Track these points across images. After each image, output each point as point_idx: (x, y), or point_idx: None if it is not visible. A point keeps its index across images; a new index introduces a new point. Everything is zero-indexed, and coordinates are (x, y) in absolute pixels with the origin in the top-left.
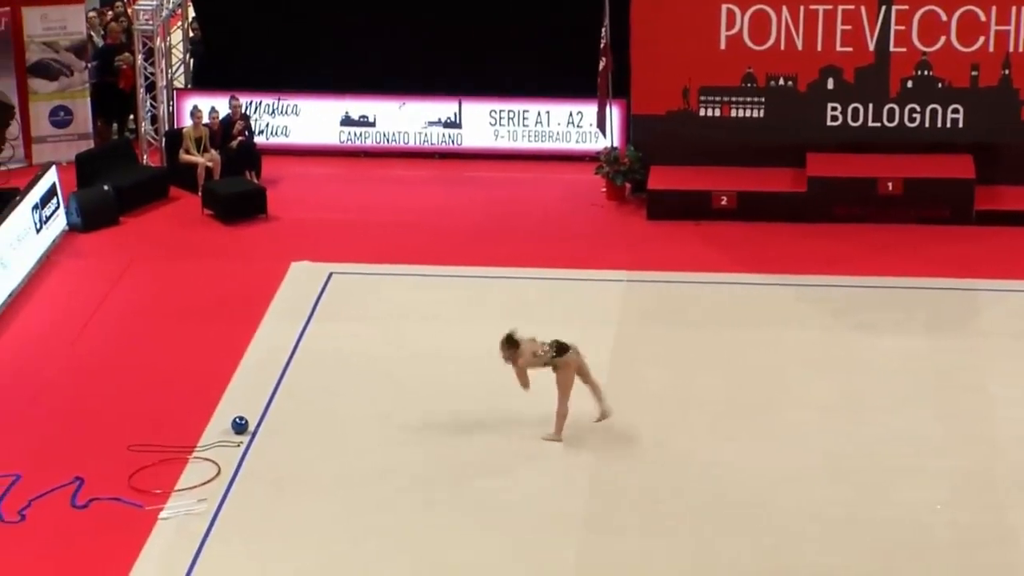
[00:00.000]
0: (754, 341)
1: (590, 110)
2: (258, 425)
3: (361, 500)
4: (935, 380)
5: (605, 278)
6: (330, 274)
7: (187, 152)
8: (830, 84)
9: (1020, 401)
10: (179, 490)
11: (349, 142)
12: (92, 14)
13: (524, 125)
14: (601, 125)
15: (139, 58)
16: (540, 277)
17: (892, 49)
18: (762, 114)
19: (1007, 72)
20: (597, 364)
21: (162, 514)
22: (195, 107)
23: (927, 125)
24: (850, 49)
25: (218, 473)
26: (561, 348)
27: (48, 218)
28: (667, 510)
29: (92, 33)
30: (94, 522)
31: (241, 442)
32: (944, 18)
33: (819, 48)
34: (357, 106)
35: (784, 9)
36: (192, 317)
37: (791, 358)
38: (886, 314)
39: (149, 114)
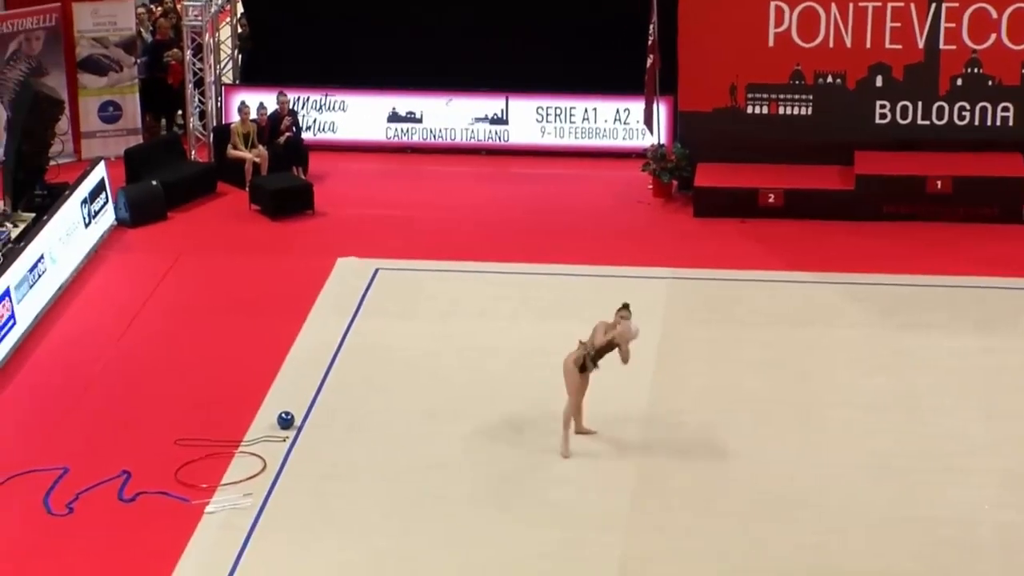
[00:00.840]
0: (801, 339)
1: (637, 107)
2: (304, 420)
3: (407, 495)
4: (984, 380)
5: (651, 275)
6: (376, 270)
7: (235, 148)
8: (879, 82)
9: None
10: (225, 484)
11: (396, 138)
12: (141, 10)
13: (571, 122)
14: (648, 122)
15: (187, 54)
16: (586, 274)
17: (942, 47)
18: (810, 111)
19: None
20: (643, 361)
21: (208, 508)
22: (243, 103)
23: (976, 123)
24: (899, 47)
25: (264, 468)
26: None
27: (96, 213)
28: (713, 508)
29: (141, 29)
30: (140, 516)
31: (287, 437)
32: (994, 15)
33: (868, 45)
34: (404, 102)
35: (833, 6)
36: (239, 312)
37: (838, 357)
38: (934, 313)
39: (197, 110)
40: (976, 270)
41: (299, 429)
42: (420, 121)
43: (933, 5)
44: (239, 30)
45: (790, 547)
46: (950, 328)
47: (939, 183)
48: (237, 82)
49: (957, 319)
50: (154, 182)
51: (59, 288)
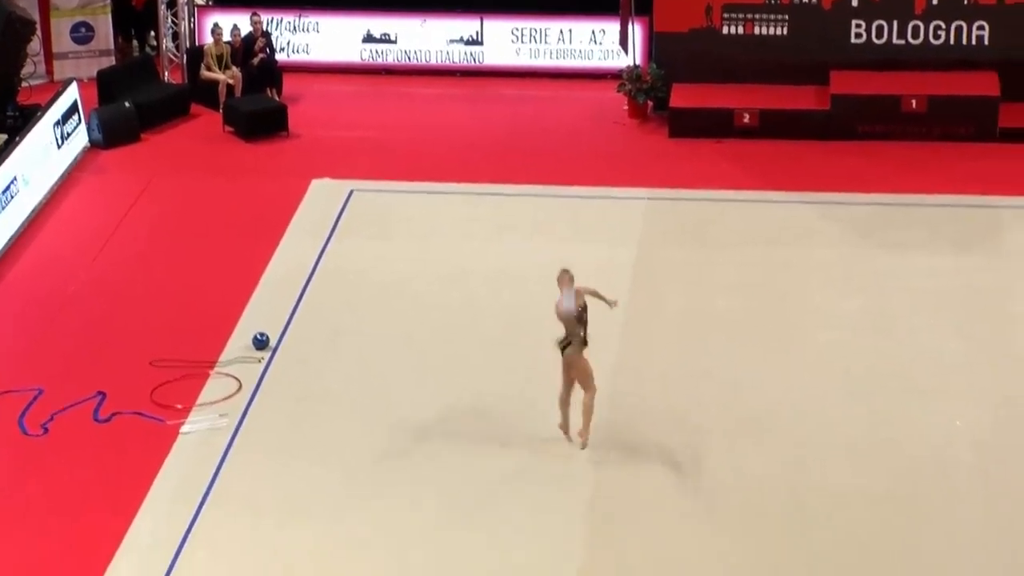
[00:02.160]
0: (777, 260)
1: (612, 28)
2: (279, 341)
3: (381, 417)
4: (960, 298)
5: (627, 196)
6: (351, 191)
7: (208, 69)
8: (854, 1)
9: None
10: (200, 405)
11: (370, 60)
12: None
13: (546, 43)
14: (623, 43)
15: None
16: (562, 195)
17: None
18: (786, 31)
19: None
20: (619, 283)
21: (183, 429)
22: (216, 24)
23: (952, 42)
24: None
25: (239, 388)
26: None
27: (69, 134)
28: (688, 428)
29: None
30: (116, 436)
31: (262, 358)
32: None
33: None
34: (379, 23)
35: None
36: (213, 234)
37: (814, 277)
38: (910, 232)
39: (170, 31)
40: (952, 188)
41: (274, 350)
42: (394, 43)
43: None
44: None
45: (766, 467)
46: (926, 247)
47: (914, 102)
48: (210, 3)
49: (933, 238)
50: (127, 104)
51: (32, 210)
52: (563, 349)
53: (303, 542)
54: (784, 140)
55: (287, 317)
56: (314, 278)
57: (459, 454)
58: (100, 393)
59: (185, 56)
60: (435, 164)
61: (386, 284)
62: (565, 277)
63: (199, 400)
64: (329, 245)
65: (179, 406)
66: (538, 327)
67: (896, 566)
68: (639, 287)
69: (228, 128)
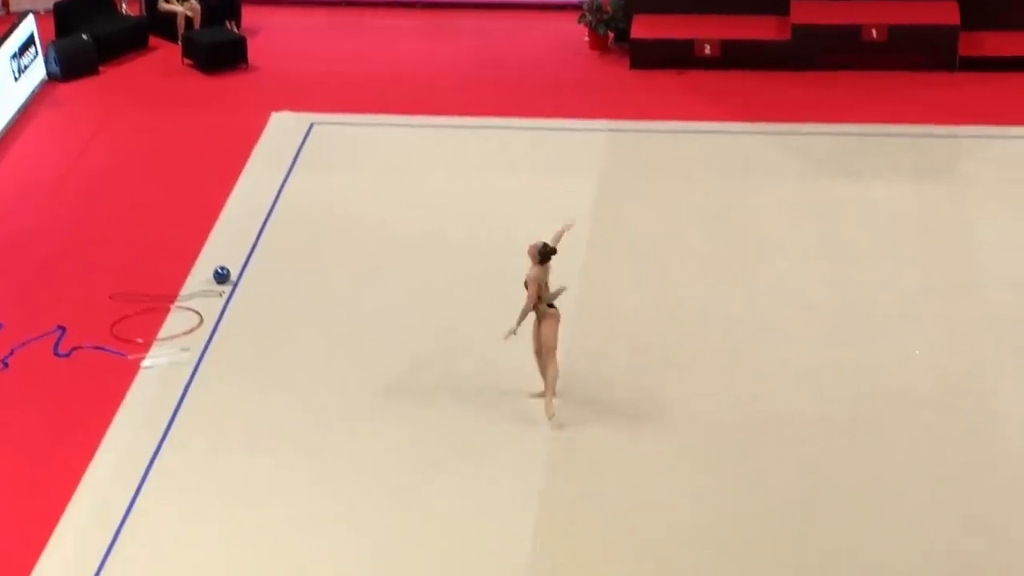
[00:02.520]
0: (737, 190)
1: None
2: (240, 276)
3: (345, 350)
4: (920, 227)
5: (588, 128)
6: (311, 124)
7: (166, 1)
8: None
9: (1003, 247)
10: (162, 339)
11: None
12: None
13: None
14: None
15: None
16: (524, 127)
17: None
18: None
19: None
20: (580, 214)
21: (144, 363)
22: None
23: None
24: None
25: (200, 323)
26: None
27: (26, 67)
28: (650, 359)
29: None
30: (77, 371)
31: (223, 292)
32: None
33: None
34: None
35: None
36: (173, 167)
37: (775, 206)
38: (870, 161)
39: None
40: (912, 118)
41: (235, 284)
42: None
43: None
44: None
45: (729, 396)
46: (886, 176)
47: (874, 32)
48: None
49: (893, 167)
50: (85, 36)
51: None
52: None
53: (264, 476)
54: (745, 70)
55: (248, 251)
56: (275, 212)
57: (423, 385)
58: (60, 328)
59: None
60: (396, 97)
61: (347, 218)
62: (534, 251)
63: (160, 334)
64: (290, 179)
65: (140, 340)
66: (502, 259)
67: (856, 490)
68: (600, 218)
69: (187, 61)
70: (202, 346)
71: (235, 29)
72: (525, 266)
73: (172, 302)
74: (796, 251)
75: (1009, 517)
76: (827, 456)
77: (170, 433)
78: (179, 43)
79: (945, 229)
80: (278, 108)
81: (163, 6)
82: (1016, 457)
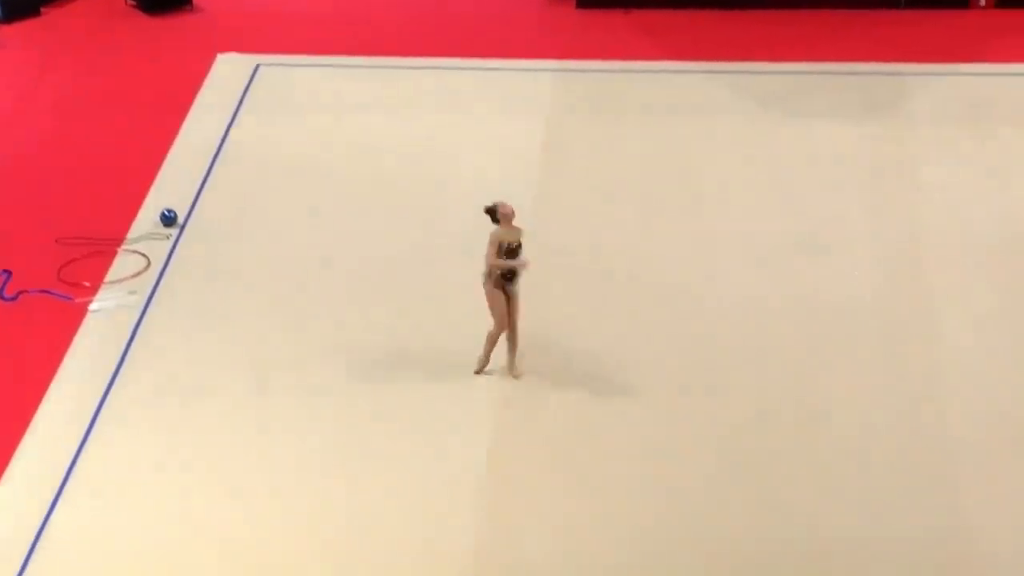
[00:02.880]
0: (684, 129)
1: None
2: (187, 218)
3: (291, 291)
4: (864, 165)
5: (536, 67)
6: (257, 66)
7: None
8: None
9: (947, 185)
10: (109, 283)
11: None
12: None
13: None
14: None
15: None
16: (471, 67)
17: None
18: None
19: None
20: (528, 154)
21: (92, 306)
22: None
23: None
24: None
25: (148, 266)
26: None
27: None
28: (597, 297)
29: None
30: (24, 315)
31: (170, 235)
32: None
33: None
34: None
35: None
36: (116, 110)
37: (721, 146)
38: (816, 100)
39: None
40: (858, 56)
41: (182, 227)
42: None
43: None
44: None
45: (676, 334)
46: (831, 115)
47: None
48: None
49: (838, 106)
50: None
51: None
52: (509, 280)
53: (211, 419)
54: (692, 9)
55: (195, 193)
56: (221, 154)
57: (370, 324)
58: (6, 271)
59: None
60: (343, 37)
61: (293, 159)
62: (508, 209)
63: (107, 278)
64: (236, 121)
65: (87, 284)
66: (445, 199)
67: (802, 430)
68: (548, 159)
69: (130, 2)
70: (149, 289)
71: None
72: (468, 205)
73: (119, 245)
74: (742, 189)
75: (945, 422)
76: (778, 382)
77: (118, 376)
78: None
79: (890, 167)
80: (224, 49)
81: None
82: (950, 370)
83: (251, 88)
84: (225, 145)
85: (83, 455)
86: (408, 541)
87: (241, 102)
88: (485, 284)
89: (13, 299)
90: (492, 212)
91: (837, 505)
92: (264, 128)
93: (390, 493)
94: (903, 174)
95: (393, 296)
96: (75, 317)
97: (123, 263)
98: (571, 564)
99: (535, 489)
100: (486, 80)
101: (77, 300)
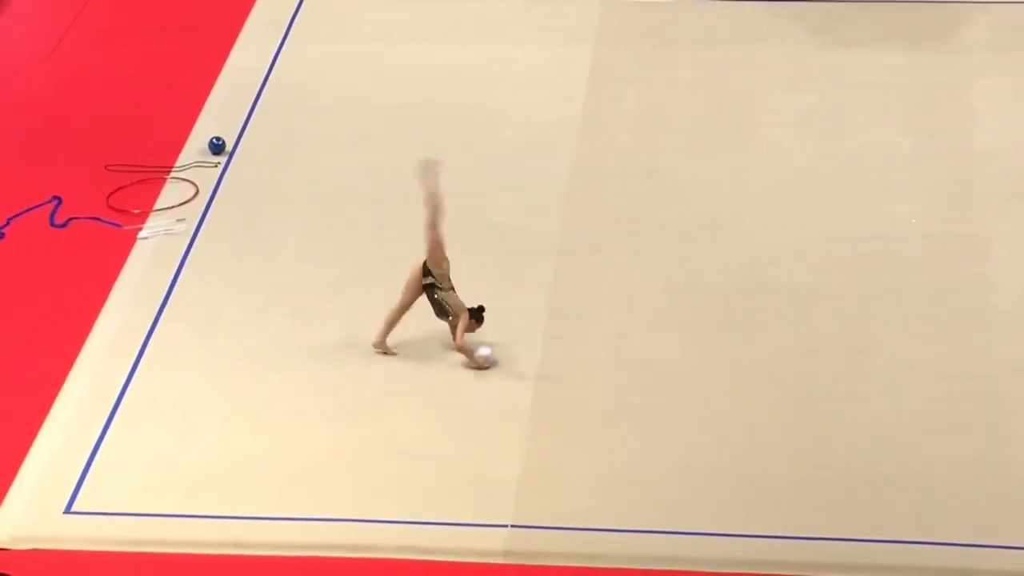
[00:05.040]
0: (731, 59)
1: None
2: (235, 146)
3: (338, 221)
4: (913, 95)
5: None
6: None
7: None
8: None
9: (998, 115)
10: (157, 210)
11: None
12: None
13: None
14: None
15: None
16: None
17: None
18: None
19: None
20: (575, 84)
21: (141, 234)
22: None
23: None
24: None
25: (196, 193)
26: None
27: None
28: (642, 228)
29: None
30: (73, 241)
31: (218, 163)
32: None
33: None
34: None
35: None
36: (165, 35)
37: (768, 76)
38: (865, 30)
39: None
40: None
41: (231, 155)
42: None
43: None
44: None
45: (719, 264)
46: (879, 44)
47: None
48: None
49: (887, 35)
50: None
51: None
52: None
53: (260, 347)
54: None
55: (243, 120)
56: (269, 80)
57: (412, 254)
58: (56, 198)
59: None
60: None
61: (341, 88)
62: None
63: (156, 205)
64: (284, 47)
65: (136, 211)
66: (491, 129)
67: (851, 362)
68: (595, 88)
69: None
70: (198, 217)
71: None
72: (515, 137)
73: (167, 172)
74: (787, 120)
75: (995, 376)
76: (820, 325)
77: (167, 305)
78: None
79: (938, 97)
80: None
81: None
82: (1003, 319)
83: (298, 16)
84: (273, 72)
85: (133, 383)
86: (454, 472)
87: (289, 30)
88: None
89: (63, 226)
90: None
91: (884, 438)
92: (311, 56)
93: (440, 421)
94: (952, 102)
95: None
96: (124, 244)
97: (172, 191)
98: (615, 500)
99: (578, 420)
100: (529, 7)
101: (126, 227)
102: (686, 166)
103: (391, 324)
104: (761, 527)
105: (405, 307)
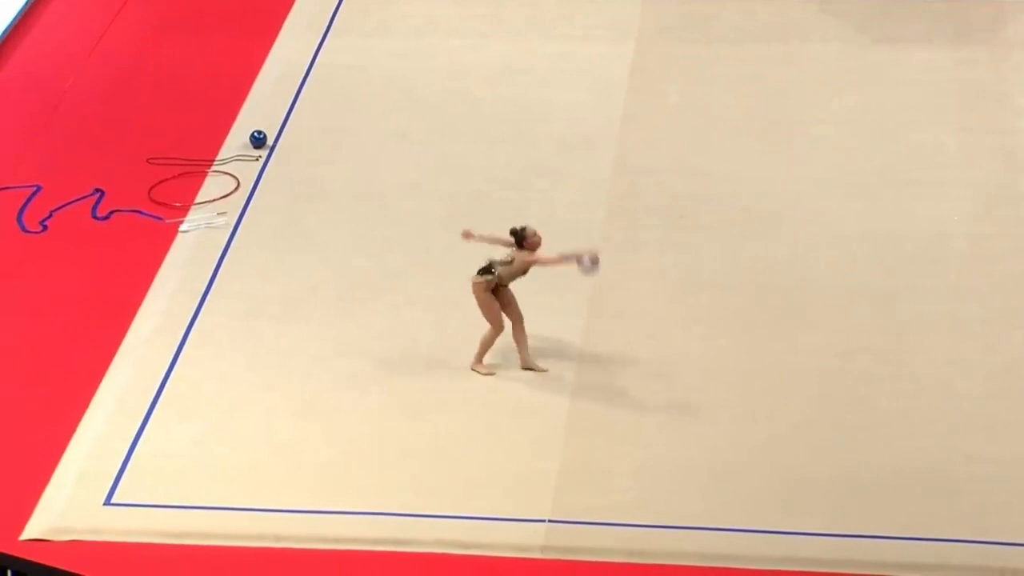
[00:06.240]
0: (775, 55)
1: None
2: (276, 139)
3: (381, 215)
4: (959, 93)
5: None
6: None
7: None
8: None
9: None
10: (199, 203)
11: None
12: None
13: None
14: None
15: None
16: None
17: None
18: None
19: None
20: (617, 80)
21: (182, 227)
22: None
23: None
24: None
25: (237, 187)
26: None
27: None
28: (686, 223)
29: None
30: (115, 234)
31: (260, 156)
32: None
33: None
34: None
35: None
36: (207, 30)
37: (812, 72)
38: (909, 26)
39: None
40: None
41: (272, 148)
42: None
43: None
44: None
45: (762, 262)
46: (925, 41)
47: None
48: None
49: (933, 32)
50: None
51: (24, 3)
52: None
53: (299, 340)
54: None
55: (284, 114)
56: (311, 75)
57: (459, 246)
58: (98, 191)
59: None
60: None
61: (384, 81)
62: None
63: (197, 198)
64: (326, 41)
65: (178, 204)
66: (533, 123)
67: (893, 360)
68: (637, 83)
69: None
70: (239, 211)
71: None
72: (551, 131)
73: (209, 166)
74: (832, 116)
75: None
76: (863, 324)
77: (208, 297)
78: None
79: (984, 94)
80: None
81: None
82: None
83: (340, 9)
84: (315, 65)
85: (173, 375)
86: (493, 467)
87: (331, 23)
88: (477, 292)
89: (105, 219)
90: (518, 234)
91: (927, 436)
92: (353, 50)
93: (480, 416)
94: (998, 100)
95: (479, 214)
96: (166, 237)
97: (213, 184)
98: (653, 496)
99: (617, 416)
100: (574, 3)
101: (168, 220)
102: (728, 162)
103: (486, 346)
104: (801, 524)
105: (498, 324)
